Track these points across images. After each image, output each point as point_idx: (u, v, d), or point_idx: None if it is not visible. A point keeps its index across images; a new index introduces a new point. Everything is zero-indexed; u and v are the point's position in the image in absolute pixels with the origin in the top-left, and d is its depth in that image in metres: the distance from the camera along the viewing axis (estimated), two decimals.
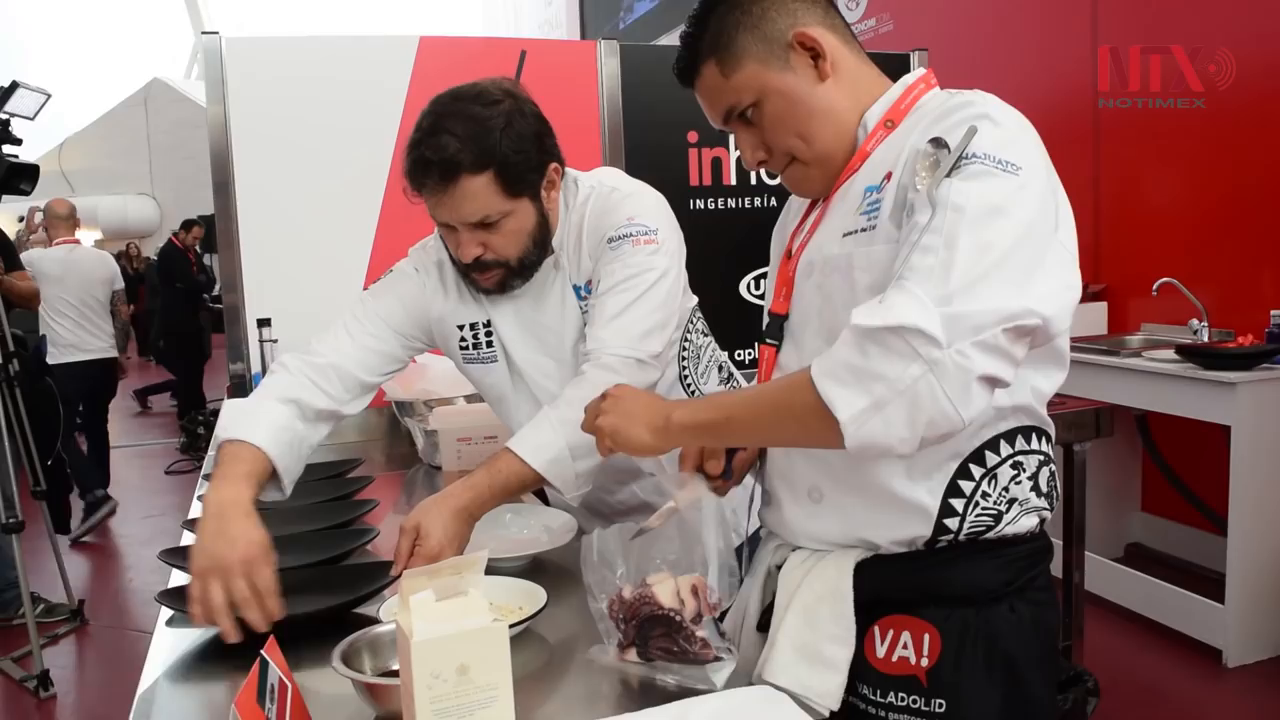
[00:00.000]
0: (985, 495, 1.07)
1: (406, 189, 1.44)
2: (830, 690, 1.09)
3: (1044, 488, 1.11)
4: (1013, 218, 0.93)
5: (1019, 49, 4.55)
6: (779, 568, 1.20)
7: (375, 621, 1.16)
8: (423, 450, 2.25)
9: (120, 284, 5.51)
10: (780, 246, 1.29)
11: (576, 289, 1.55)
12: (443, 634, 0.88)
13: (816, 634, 1.11)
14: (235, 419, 1.43)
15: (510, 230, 1.45)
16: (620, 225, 1.49)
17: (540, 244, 1.51)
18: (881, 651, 1.10)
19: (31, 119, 3.70)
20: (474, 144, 1.38)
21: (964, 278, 0.90)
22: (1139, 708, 2.89)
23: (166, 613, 1.35)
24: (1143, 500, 4.08)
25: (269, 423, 1.43)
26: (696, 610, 1.10)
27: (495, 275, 1.50)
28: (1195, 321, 3.57)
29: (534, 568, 1.48)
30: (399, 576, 1.19)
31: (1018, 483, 1.08)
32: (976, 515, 1.07)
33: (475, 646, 0.90)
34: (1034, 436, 1.10)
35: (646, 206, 1.53)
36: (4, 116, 3.59)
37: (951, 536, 1.08)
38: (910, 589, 1.09)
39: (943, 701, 1.07)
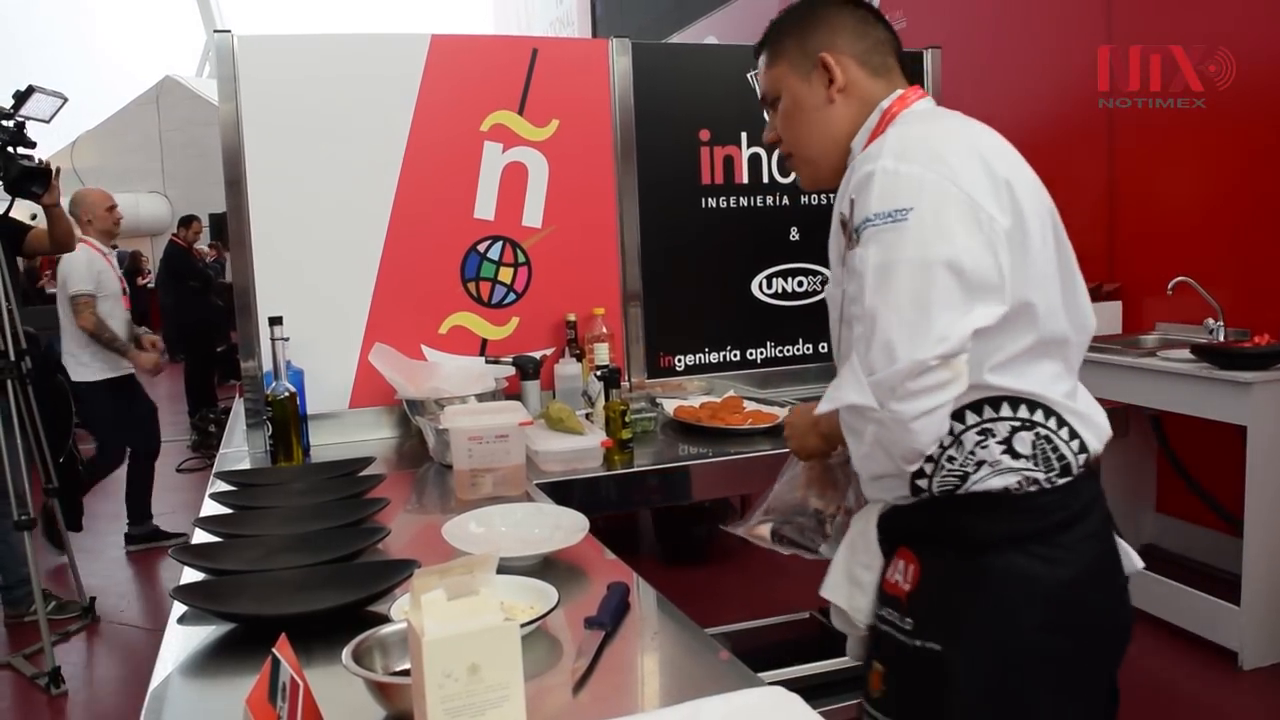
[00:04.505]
0: (951, 459, 1.23)
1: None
2: (861, 607, 1.33)
3: (1024, 450, 1.22)
4: (902, 267, 1.12)
5: (1033, 47, 4.53)
6: None
7: (386, 620, 1.16)
8: (434, 449, 2.25)
9: None
10: None
11: None
12: (454, 633, 0.89)
13: (855, 560, 1.35)
14: None
15: None
16: None
17: None
18: (890, 576, 1.30)
19: (47, 122, 3.68)
20: None
21: (878, 344, 1.12)
22: (1153, 710, 2.87)
23: (179, 609, 1.36)
24: (1157, 501, 4.05)
25: None
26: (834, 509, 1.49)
27: None
28: (1211, 321, 3.53)
29: (545, 567, 1.48)
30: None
31: (984, 446, 1.22)
32: (944, 476, 1.23)
33: (487, 645, 0.90)
34: (1005, 404, 1.22)
35: None
36: (19, 120, 3.59)
37: (925, 492, 1.25)
38: (914, 530, 1.28)
39: (911, 620, 1.24)
